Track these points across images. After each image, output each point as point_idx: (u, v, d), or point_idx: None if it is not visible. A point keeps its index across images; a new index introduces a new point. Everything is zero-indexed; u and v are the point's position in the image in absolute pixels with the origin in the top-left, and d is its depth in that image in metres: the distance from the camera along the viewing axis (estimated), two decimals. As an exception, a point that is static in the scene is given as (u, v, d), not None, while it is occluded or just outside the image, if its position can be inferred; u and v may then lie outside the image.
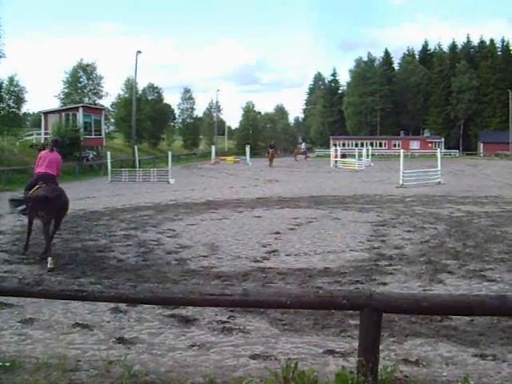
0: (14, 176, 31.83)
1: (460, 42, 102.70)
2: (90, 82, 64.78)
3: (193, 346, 5.66)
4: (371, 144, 79.09)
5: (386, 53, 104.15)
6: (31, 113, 78.92)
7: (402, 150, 29.43)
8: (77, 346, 5.65)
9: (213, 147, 63.42)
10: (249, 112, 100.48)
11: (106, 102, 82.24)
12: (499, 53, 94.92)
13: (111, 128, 70.03)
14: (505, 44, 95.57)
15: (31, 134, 49.51)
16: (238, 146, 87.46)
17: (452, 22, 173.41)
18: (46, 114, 47.98)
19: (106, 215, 16.54)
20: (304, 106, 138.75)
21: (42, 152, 11.15)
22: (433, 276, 8.50)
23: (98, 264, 9.67)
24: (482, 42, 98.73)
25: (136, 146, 45.44)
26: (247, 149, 58.49)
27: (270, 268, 9.21)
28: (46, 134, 45.63)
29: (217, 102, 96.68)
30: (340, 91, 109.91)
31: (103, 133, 51.51)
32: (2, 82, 41.45)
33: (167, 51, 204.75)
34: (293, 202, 19.64)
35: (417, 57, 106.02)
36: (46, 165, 10.66)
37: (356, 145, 75.66)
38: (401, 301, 4.20)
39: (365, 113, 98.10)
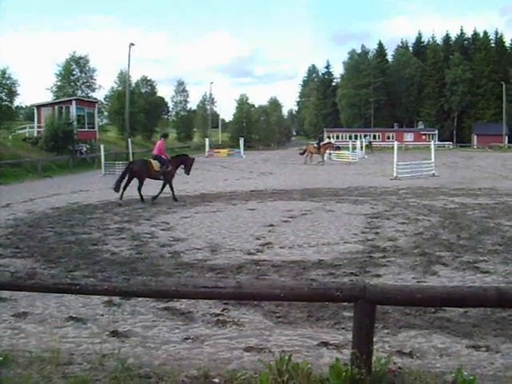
0: (7, 169, 31.71)
1: (454, 34, 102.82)
2: (83, 75, 64.34)
3: (187, 338, 5.65)
4: (365, 136, 79.03)
5: (380, 45, 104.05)
6: (24, 106, 78.50)
7: (395, 142, 29.41)
8: (70, 339, 5.63)
9: (206, 140, 63.27)
10: (242, 104, 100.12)
11: (99, 94, 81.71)
12: (493, 45, 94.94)
13: (104, 121, 69.69)
14: (498, 36, 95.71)
15: (24, 128, 49.26)
16: (232, 139, 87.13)
17: (445, 14, 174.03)
18: (38, 107, 47.72)
19: (99, 208, 16.50)
20: (298, 99, 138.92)
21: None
22: (427, 268, 8.52)
23: (92, 257, 9.64)
24: (475, 34, 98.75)
25: (129, 139, 45.29)
26: (241, 141, 58.39)
27: (263, 260, 9.21)
28: (39, 127, 45.42)
29: (210, 94, 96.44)
30: (334, 83, 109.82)
31: (96, 126, 51.28)
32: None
33: (160, 44, 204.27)
34: (287, 195, 19.65)
35: (410, 49, 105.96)
36: (155, 148, 19.35)
37: (350, 137, 75.70)
38: (395, 293, 4.19)
39: (359, 105, 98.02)
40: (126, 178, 18.01)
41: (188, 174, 19.88)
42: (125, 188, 17.78)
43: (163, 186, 18.53)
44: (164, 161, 18.65)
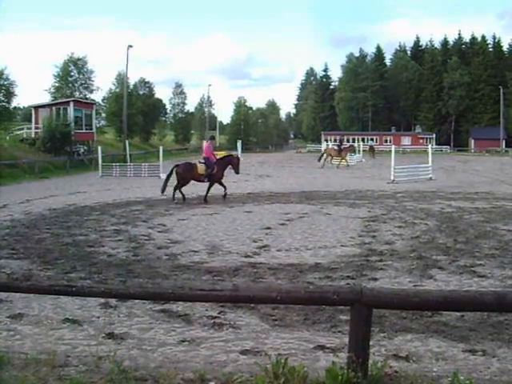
0: (4, 170, 31.64)
1: (452, 38, 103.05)
2: (81, 76, 64.30)
3: (183, 341, 5.63)
4: (363, 139, 79.10)
5: (378, 48, 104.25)
6: (22, 107, 78.52)
7: (393, 146, 29.49)
8: (66, 341, 5.61)
9: (204, 142, 63.19)
10: (240, 107, 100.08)
11: (97, 96, 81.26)
12: (490, 49, 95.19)
13: (102, 122, 69.65)
14: (496, 40, 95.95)
15: (21, 129, 49.17)
16: (230, 141, 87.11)
17: (443, 18, 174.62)
18: (36, 108, 47.64)
19: (96, 210, 16.47)
20: (296, 102, 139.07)
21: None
22: (423, 271, 8.52)
23: (88, 259, 9.62)
24: (473, 38, 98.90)
25: (127, 141, 45.25)
26: (239, 144, 58.33)
27: (260, 263, 9.20)
28: (36, 128, 45.34)
29: (208, 96, 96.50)
30: (332, 87, 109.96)
31: (94, 127, 51.22)
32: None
33: (159, 45, 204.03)
34: (284, 198, 19.64)
35: (408, 53, 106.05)
36: (204, 151, 19.82)
37: (347, 140, 75.77)
38: (391, 296, 4.19)
39: (356, 108, 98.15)
40: (178, 182, 18.76)
41: (238, 172, 20.10)
42: (179, 189, 18.73)
43: (224, 186, 19.23)
44: (211, 164, 19.07)
